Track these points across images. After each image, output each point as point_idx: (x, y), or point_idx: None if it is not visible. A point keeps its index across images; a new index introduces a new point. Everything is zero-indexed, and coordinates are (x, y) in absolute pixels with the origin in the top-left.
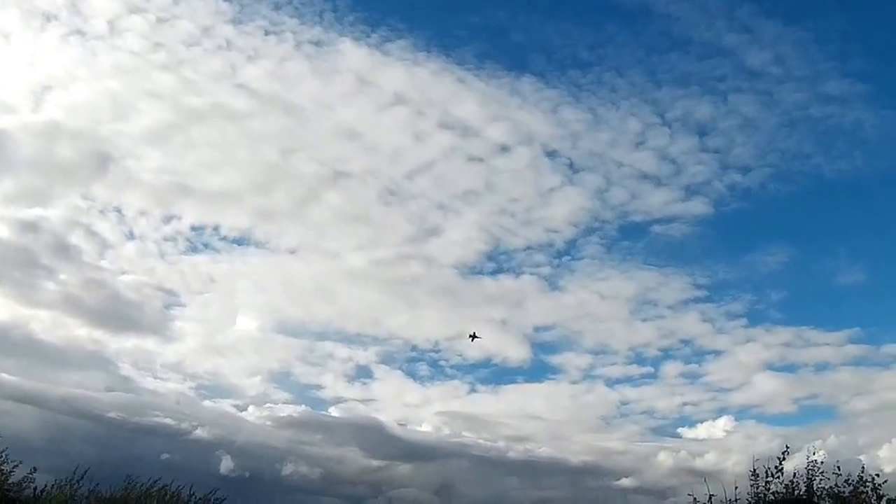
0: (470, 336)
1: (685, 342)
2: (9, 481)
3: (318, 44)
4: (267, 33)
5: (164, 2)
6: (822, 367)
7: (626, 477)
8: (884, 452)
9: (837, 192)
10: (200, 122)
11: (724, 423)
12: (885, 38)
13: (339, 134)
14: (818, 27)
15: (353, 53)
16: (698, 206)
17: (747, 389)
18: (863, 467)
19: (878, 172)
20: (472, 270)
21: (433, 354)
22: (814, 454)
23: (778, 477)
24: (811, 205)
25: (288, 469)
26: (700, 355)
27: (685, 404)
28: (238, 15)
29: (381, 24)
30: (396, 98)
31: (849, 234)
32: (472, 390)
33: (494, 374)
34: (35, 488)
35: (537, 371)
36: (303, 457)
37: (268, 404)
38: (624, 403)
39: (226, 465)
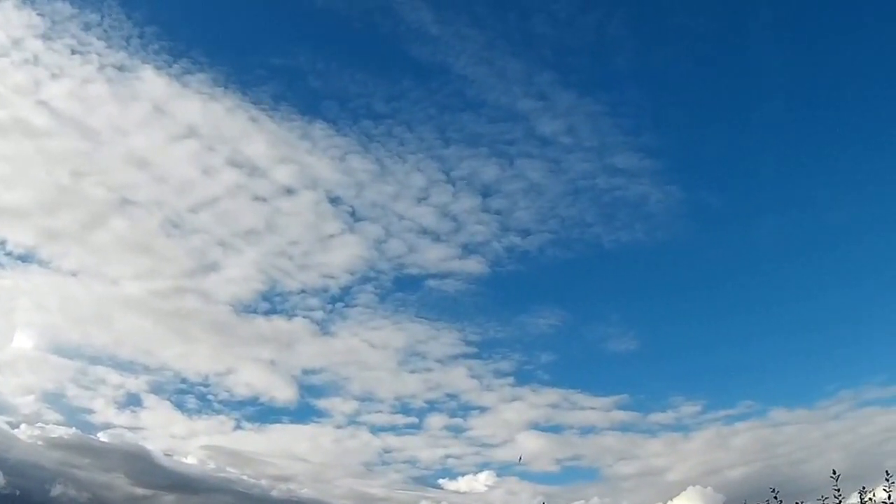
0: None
1: (451, 396)
2: None
3: (120, 68)
4: (74, 52)
5: None
6: (587, 430)
7: None
8: None
9: (615, 262)
10: None
11: (485, 477)
12: (677, 116)
13: (130, 161)
14: (613, 101)
15: (153, 82)
16: (474, 265)
17: (511, 446)
18: None
19: (658, 246)
20: (246, 309)
21: (202, 388)
22: None
23: None
24: (587, 272)
25: (57, 490)
26: (465, 410)
27: (448, 457)
28: (48, 30)
29: (184, 55)
30: (189, 130)
31: (623, 303)
32: (238, 427)
33: (261, 412)
34: None
35: (303, 413)
36: (72, 479)
37: (40, 424)
38: (387, 451)
39: None
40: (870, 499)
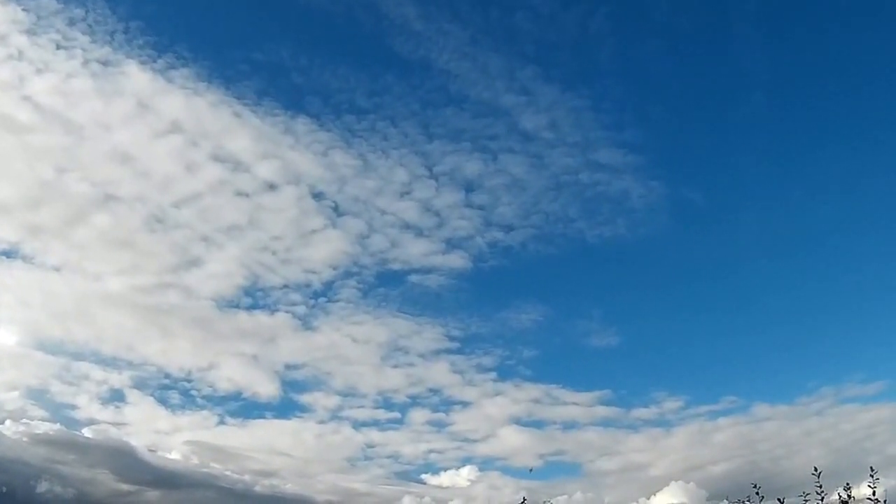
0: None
1: (434, 391)
2: None
3: (105, 63)
4: (58, 47)
5: None
6: (569, 426)
7: None
8: None
9: (598, 257)
10: None
11: (468, 472)
12: (659, 112)
13: (114, 156)
14: (595, 96)
15: (137, 77)
16: (457, 260)
17: (493, 441)
18: None
19: (639, 241)
20: (228, 304)
21: (185, 383)
22: None
23: None
24: (570, 267)
25: (43, 487)
26: (448, 405)
27: (431, 451)
28: (33, 26)
29: (168, 50)
30: (173, 126)
31: (605, 298)
32: (221, 422)
33: (243, 407)
34: None
35: (286, 408)
36: (57, 476)
37: (24, 420)
38: (370, 446)
39: None
40: (849, 496)
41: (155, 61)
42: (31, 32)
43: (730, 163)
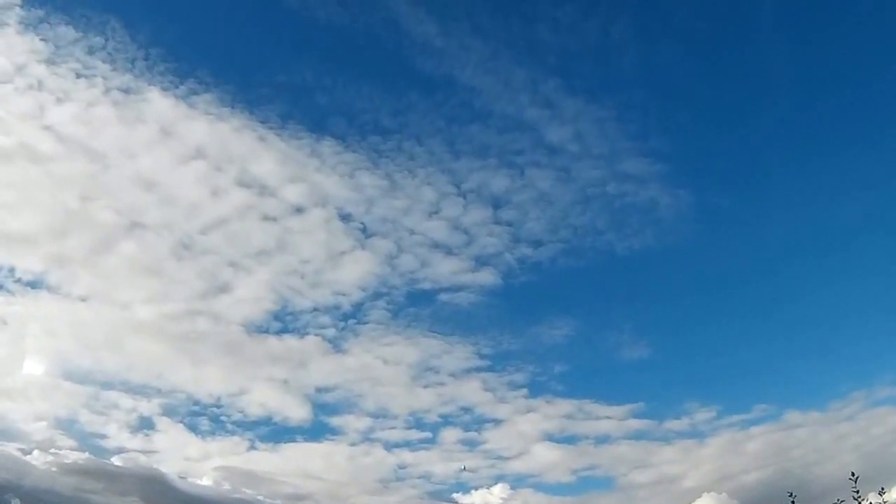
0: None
1: (465, 409)
2: None
3: (126, 91)
4: (78, 76)
5: None
6: (602, 440)
7: None
8: None
9: (627, 269)
10: (4, 162)
11: (500, 490)
12: (684, 119)
13: (138, 183)
14: (619, 105)
15: (159, 103)
16: (487, 277)
17: (526, 458)
18: None
19: (668, 250)
20: (258, 329)
21: (215, 409)
22: None
23: None
24: (600, 280)
25: None
26: (480, 423)
27: (463, 470)
28: (52, 55)
29: (190, 75)
30: (197, 151)
31: (636, 310)
32: (252, 447)
33: (274, 432)
34: None
35: (317, 431)
36: None
37: (53, 450)
38: (401, 467)
39: None
40: (883, 502)
41: (177, 87)
42: (50, 62)
43: (756, 167)
